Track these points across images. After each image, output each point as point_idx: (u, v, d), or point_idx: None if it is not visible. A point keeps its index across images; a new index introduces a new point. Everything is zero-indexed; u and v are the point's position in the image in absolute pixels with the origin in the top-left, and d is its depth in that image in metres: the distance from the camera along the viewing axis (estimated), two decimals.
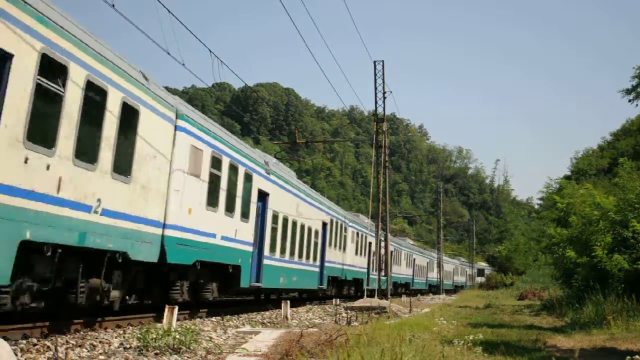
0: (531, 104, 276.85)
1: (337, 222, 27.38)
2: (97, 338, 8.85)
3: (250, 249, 16.21)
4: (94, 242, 9.04)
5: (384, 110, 30.66)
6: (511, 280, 58.83)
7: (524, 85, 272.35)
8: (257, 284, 17.22)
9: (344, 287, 30.34)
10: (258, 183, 16.81)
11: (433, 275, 61.93)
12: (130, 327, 10.78)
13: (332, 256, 26.45)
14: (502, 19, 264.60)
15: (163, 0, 10.12)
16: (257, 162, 16.96)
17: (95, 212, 9.05)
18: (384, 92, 30.47)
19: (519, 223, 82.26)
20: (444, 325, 12.12)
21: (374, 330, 8.95)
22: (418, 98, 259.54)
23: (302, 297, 26.98)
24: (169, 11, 10.57)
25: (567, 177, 46.35)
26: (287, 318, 15.20)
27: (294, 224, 20.69)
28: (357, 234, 31.67)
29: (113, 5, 9.52)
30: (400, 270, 43.71)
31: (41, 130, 7.77)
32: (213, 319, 14.02)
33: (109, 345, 8.35)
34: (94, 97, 8.99)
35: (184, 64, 12.13)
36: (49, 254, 8.01)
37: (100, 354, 7.62)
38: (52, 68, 7.92)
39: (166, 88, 12.88)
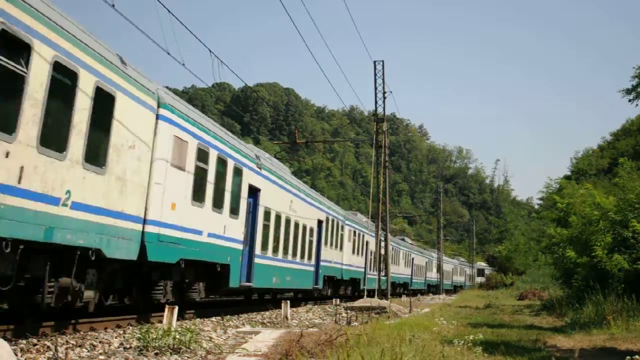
0: (531, 104, 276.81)
1: (333, 220, 26.63)
2: (97, 338, 8.78)
3: (240, 246, 15.48)
4: (63, 238, 8.31)
5: (384, 110, 30.50)
6: (511, 280, 58.74)
7: (524, 85, 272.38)
8: (248, 284, 16.53)
9: (341, 287, 29.61)
10: (249, 178, 16.08)
11: (432, 275, 61.41)
12: (131, 327, 10.59)
13: (328, 255, 25.72)
14: (502, 19, 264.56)
15: (163, 0, 10.16)
16: (248, 156, 16.23)
17: (64, 205, 8.32)
18: (384, 92, 30.32)
19: (519, 223, 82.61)
20: (444, 325, 12.14)
21: (374, 330, 8.96)
22: (418, 98, 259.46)
23: (297, 297, 26.26)
24: (169, 11, 10.58)
25: (567, 177, 46.72)
26: (287, 318, 15.09)
27: (288, 221, 19.96)
28: (354, 232, 30.95)
29: (113, 5, 9.49)
30: (399, 270, 42.99)
31: None
32: (213, 319, 13.76)
33: (109, 345, 8.32)
34: (63, 80, 8.28)
35: (184, 64, 12.16)
36: (8, 250, 7.29)
37: (100, 354, 7.59)
38: (12, 45, 7.21)
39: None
